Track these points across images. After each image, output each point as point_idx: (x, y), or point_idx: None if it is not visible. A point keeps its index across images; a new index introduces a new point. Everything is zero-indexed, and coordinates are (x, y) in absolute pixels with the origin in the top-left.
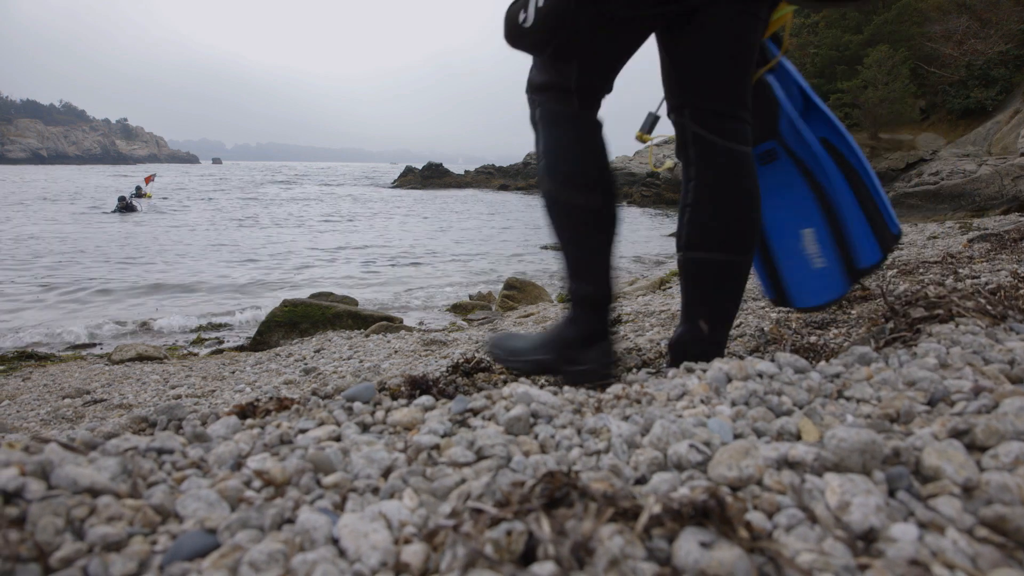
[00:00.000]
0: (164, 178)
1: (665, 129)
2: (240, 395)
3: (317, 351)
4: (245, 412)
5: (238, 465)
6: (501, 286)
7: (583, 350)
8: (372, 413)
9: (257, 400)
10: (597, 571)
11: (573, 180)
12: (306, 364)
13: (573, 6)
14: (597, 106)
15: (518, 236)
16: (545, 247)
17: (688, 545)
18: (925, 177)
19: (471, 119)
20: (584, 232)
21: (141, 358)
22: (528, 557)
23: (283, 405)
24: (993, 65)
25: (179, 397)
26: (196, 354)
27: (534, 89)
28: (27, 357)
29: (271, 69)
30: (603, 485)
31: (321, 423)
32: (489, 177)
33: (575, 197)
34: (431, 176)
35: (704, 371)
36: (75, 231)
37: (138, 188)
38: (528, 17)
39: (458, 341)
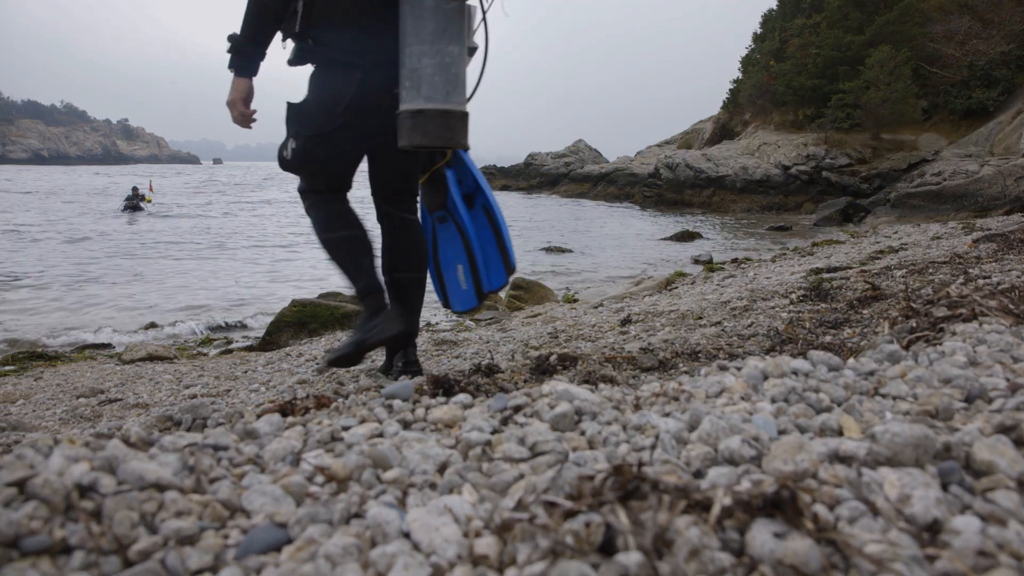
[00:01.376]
0: (165, 179)
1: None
2: (256, 395)
3: (328, 351)
4: (285, 410)
5: (296, 461)
6: (507, 286)
7: (374, 319)
8: (412, 411)
9: (295, 398)
10: (678, 561)
11: (332, 225)
12: (318, 364)
13: (311, 148)
14: (347, 188)
15: (521, 236)
16: (547, 248)
17: (762, 536)
18: (927, 178)
19: (472, 120)
20: (348, 252)
21: (152, 358)
22: (605, 548)
23: (322, 403)
24: (995, 65)
25: (194, 396)
26: (206, 354)
27: (300, 192)
28: (37, 357)
29: (271, 69)
30: (674, 478)
31: (363, 420)
32: (491, 178)
33: (335, 233)
34: None
35: (739, 368)
36: (88, 233)
37: (135, 188)
38: (288, 152)
39: (469, 341)
